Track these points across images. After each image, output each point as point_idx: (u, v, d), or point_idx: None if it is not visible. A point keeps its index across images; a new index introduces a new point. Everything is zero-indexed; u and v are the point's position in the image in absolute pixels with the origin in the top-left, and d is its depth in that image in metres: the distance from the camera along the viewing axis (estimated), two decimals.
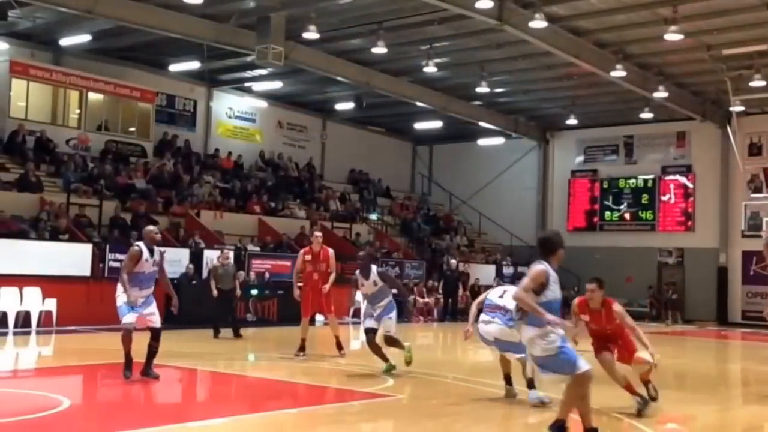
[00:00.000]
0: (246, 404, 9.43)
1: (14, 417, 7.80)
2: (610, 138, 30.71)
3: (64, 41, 22.55)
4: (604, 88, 25.16)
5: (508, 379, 9.16)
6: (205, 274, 19.17)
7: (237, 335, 15.87)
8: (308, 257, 13.08)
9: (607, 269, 27.70)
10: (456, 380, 11.02)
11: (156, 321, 9.71)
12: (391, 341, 11.11)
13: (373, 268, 11.22)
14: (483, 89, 24.69)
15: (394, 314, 11.12)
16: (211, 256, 19.59)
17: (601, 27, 20.69)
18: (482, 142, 32.55)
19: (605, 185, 30.69)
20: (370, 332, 10.97)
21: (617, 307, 8.58)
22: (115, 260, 17.53)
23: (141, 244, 9.77)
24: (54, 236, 18.39)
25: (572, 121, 28.94)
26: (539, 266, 6.59)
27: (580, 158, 31.50)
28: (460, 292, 25.28)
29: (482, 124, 29.99)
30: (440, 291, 25.31)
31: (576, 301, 8.84)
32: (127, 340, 9.52)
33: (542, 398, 8.64)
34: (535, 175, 32.18)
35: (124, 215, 20.56)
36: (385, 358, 10.96)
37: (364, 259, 11.49)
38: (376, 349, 10.99)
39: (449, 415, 8.43)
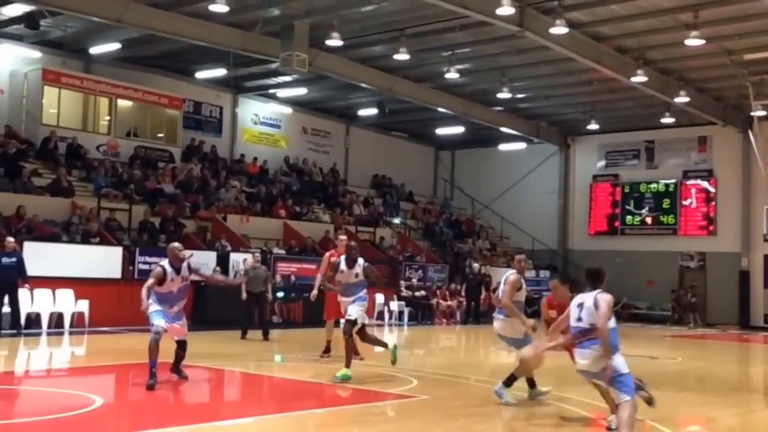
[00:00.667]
0: (273, 404, 9.66)
1: (49, 415, 8.07)
2: (632, 143, 30.77)
3: (95, 49, 23.00)
4: (625, 93, 25.25)
5: (531, 382, 9.30)
6: (231, 276, 19.53)
7: (265, 337, 16.15)
8: (334, 259, 13.22)
9: (628, 273, 27.89)
10: (478, 382, 11.14)
11: (184, 333, 9.85)
12: (373, 340, 11.22)
13: (360, 260, 11.17)
14: (504, 95, 24.86)
15: (363, 305, 10.94)
16: (237, 260, 19.98)
17: (621, 33, 20.82)
18: (504, 147, 32.69)
19: (626, 190, 30.73)
20: (350, 323, 10.76)
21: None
22: (145, 263, 17.99)
23: (165, 263, 9.63)
24: (85, 239, 18.83)
25: (593, 126, 29.01)
26: (609, 296, 6.96)
27: (602, 163, 31.56)
28: (483, 294, 25.48)
29: (504, 129, 30.15)
30: (463, 294, 25.53)
31: (544, 300, 9.03)
32: (154, 349, 9.35)
33: (509, 400, 8.90)
34: (557, 179, 32.27)
35: (153, 219, 20.97)
36: (383, 344, 11.23)
37: (356, 249, 11.41)
38: (370, 340, 11.12)
39: (472, 416, 8.56)
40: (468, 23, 20.09)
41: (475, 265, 26.39)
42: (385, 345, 11.31)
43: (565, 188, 32.12)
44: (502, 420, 8.63)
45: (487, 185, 33.14)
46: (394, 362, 10.94)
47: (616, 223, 30.83)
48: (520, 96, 26.62)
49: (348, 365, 10.54)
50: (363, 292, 11.05)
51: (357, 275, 10.99)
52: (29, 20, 20.18)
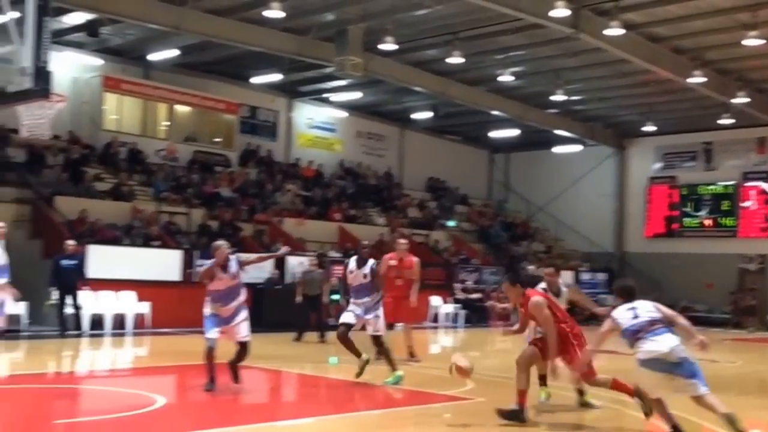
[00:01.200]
0: (330, 405, 9.74)
1: (112, 414, 8.29)
2: (689, 144, 30.20)
3: (153, 56, 23.46)
4: (682, 94, 24.82)
5: (580, 392, 9.16)
6: (288, 279, 19.79)
7: (322, 339, 16.27)
8: (393, 262, 13.24)
9: (686, 275, 27.42)
10: (535, 384, 11.10)
11: (242, 333, 9.40)
12: (381, 345, 10.63)
13: (371, 261, 10.79)
14: (559, 97, 24.67)
15: (381, 312, 10.61)
16: (293, 263, 20.21)
17: (678, 33, 20.48)
18: (559, 149, 32.41)
19: (684, 192, 30.18)
20: (344, 326, 10.53)
21: (536, 299, 8.09)
22: (203, 266, 18.31)
23: (211, 262, 9.52)
24: (146, 243, 19.26)
25: (649, 127, 28.58)
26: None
27: (658, 165, 31.05)
28: None
29: (558, 131, 29.92)
30: None
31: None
32: (209, 357, 9.28)
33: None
34: (612, 181, 31.84)
35: (211, 223, 21.35)
36: (357, 353, 10.51)
37: (367, 249, 11.20)
38: (348, 344, 10.53)
39: (528, 420, 8.54)
40: (522, 26, 19.96)
41: (530, 268, 26.20)
42: (359, 355, 10.69)
43: (621, 190, 31.69)
44: (559, 423, 8.56)
45: (543, 188, 32.88)
46: (358, 375, 10.43)
47: (674, 226, 30.30)
48: (574, 98, 26.35)
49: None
50: (378, 299, 10.66)
51: (365, 276, 10.67)
52: (90, 28, 20.75)
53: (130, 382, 11.30)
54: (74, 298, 16.20)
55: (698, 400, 6.86)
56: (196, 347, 9.52)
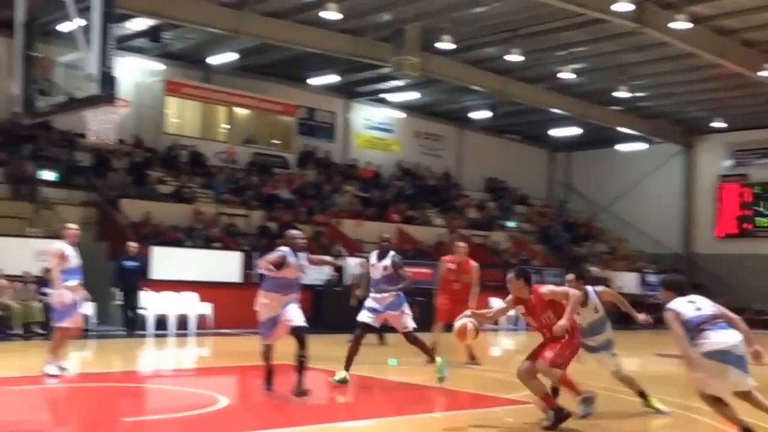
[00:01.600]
0: (390, 407, 9.63)
1: (176, 413, 8.41)
2: (762, 141, 29.18)
3: (213, 60, 23.73)
4: (754, 88, 23.97)
5: (642, 394, 8.85)
6: (347, 281, 19.73)
7: (381, 341, 16.16)
8: (451, 266, 13.06)
9: (758, 277, 26.52)
10: (599, 389, 10.82)
11: (295, 319, 8.93)
12: (415, 340, 10.34)
13: (392, 253, 10.47)
14: (623, 94, 24.16)
15: (407, 308, 10.31)
16: (351, 264, 20.16)
17: (748, 25, 19.82)
18: (622, 147, 31.76)
19: (757, 190, 29.21)
20: (363, 327, 10.28)
21: (544, 287, 7.95)
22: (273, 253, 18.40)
23: (285, 249, 9.15)
24: (207, 244, 19.46)
25: (719, 123, 27.77)
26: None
27: (729, 162, 30.12)
28: None
29: (622, 129, 29.30)
30: None
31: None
32: (266, 357, 9.15)
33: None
34: (679, 180, 31.05)
35: (270, 224, 21.45)
36: (349, 366, 10.16)
37: (388, 242, 10.81)
38: (353, 351, 10.21)
39: (594, 424, 8.27)
40: (583, 21, 19.61)
41: (594, 269, 25.67)
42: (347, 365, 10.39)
43: (689, 189, 30.86)
44: (625, 429, 8.31)
45: (606, 187, 32.24)
46: (341, 381, 10.13)
47: (746, 226, 29.35)
48: (639, 94, 25.75)
49: (432, 359, 10.30)
50: (398, 295, 10.34)
51: (386, 268, 10.39)
52: (152, 34, 21.15)
53: (194, 381, 11.46)
54: (135, 299, 16.43)
55: (747, 396, 6.76)
56: (257, 348, 9.49)
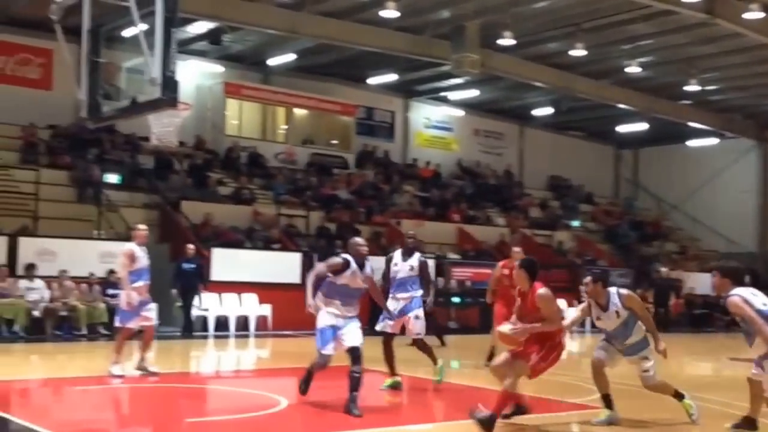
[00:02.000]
0: (450, 410, 9.42)
1: (237, 414, 8.38)
2: None
3: (271, 61, 23.87)
4: None
5: (677, 394, 8.35)
6: None
7: (442, 343, 15.88)
8: (505, 272, 12.79)
9: None
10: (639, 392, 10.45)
11: (351, 340, 8.33)
12: (423, 347, 10.15)
13: (417, 253, 10.13)
14: (692, 87, 23.50)
15: (421, 313, 9.96)
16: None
17: None
18: (693, 143, 30.87)
19: None
20: (385, 337, 9.93)
21: (543, 290, 7.42)
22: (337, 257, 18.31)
23: (348, 257, 8.58)
24: (267, 246, 19.48)
25: None
26: None
27: None
28: (672, 300, 24.01)
29: (692, 124, 28.47)
30: (650, 300, 24.20)
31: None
32: (319, 369, 8.64)
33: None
34: (755, 176, 30.02)
35: (329, 225, 21.38)
36: (393, 370, 9.89)
37: (414, 239, 10.43)
38: (388, 357, 9.88)
39: (663, 430, 8.02)
40: (650, 13, 19.15)
41: (663, 269, 24.95)
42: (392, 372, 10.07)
43: (764, 186, 29.83)
44: None
45: (675, 184, 31.39)
46: (392, 386, 9.86)
47: None
48: (710, 88, 24.98)
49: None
50: (419, 294, 9.99)
51: (412, 268, 9.99)
52: (212, 37, 21.34)
53: (255, 383, 11.45)
54: (192, 301, 16.48)
55: None
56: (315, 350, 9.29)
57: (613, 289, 8.11)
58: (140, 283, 10.32)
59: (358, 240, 8.97)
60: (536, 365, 7.51)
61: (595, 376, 8.18)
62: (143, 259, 10.41)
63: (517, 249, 13.06)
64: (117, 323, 10.67)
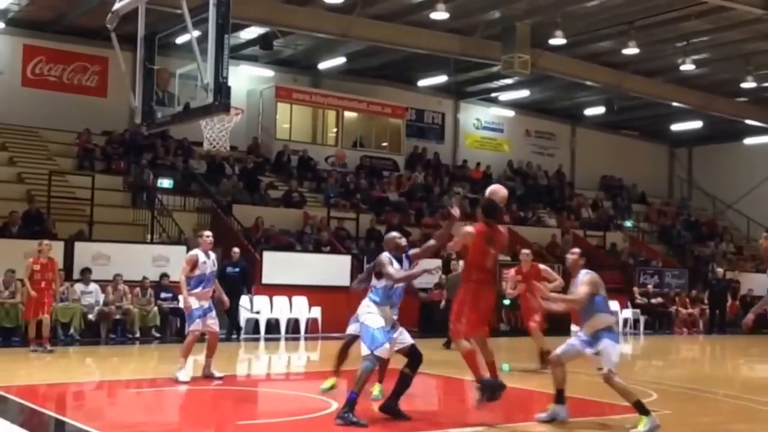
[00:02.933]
0: (499, 413, 9.31)
1: (288, 417, 8.43)
2: None
3: (322, 65, 24.02)
4: None
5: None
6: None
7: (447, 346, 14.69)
8: (518, 278, 12.79)
9: None
10: (726, 397, 10.20)
11: (409, 339, 8.24)
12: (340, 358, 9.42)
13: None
14: (749, 84, 22.93)
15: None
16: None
17: None
18: (750, 141, 30.10)
19: None
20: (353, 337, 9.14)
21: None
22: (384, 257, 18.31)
23: (387, 254, 8.22)
24: (317, 248, 19.57)
25: None
26: None
27: None
28: (729, 302, 23.46)
29: (749, 121, 27.75)
30: (705, 301, 23.70)
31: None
32: (371, 374, 8.17)
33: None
34: None
35: (379, 227, 21.40)
36: (338, 370, 9.41)
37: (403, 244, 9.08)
38: (342, 357, 9.41)
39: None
40: (705, 10, 18.76)
41: (719, 270, 24.39)
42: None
43: None
44: None
45: (731, 183, 30.62)
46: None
47: None
48: (767, 85, 24.29)
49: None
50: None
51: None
52: (263, 42, 21.55)
53: (306, 385, 11.42)
54: (236, 304, 16.41)
55: None
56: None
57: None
58: (199, 290, 10.33)
59: (395, 234, 8.68)
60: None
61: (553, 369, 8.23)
62: (207, 265, 10.45)
63: (525, 252, 12.87)
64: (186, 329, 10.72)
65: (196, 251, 10.56)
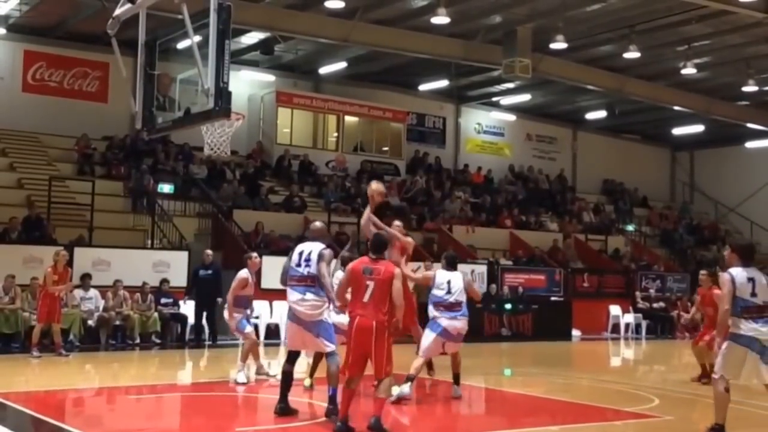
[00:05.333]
0: (504, 419, 9.29)
1: (287, 423, 8.19)
2: None
3: (323, 69, 23.98)
4: None
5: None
6: None
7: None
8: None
9: None
10: (730, 402, 10.11)
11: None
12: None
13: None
14: (750, 88, 22.84)
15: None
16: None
17: None
18: (751, 144, 30.04)
19: None
20: None
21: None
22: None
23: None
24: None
25: None
26: None
27: None
28: None
29: (750, 125, 27.72)
30: None
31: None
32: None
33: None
34: None
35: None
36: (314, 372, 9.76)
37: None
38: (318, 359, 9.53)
39: None
40: (705, 14, 18.73)
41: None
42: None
43: None
44: None
45: (733, 187, 30.54)
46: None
47: None
48: None
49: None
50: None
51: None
52: (264, 47, 21.54)
53: (304, 391, 11.32)
54: (210, 309, 16.23)
55: None
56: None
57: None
58: (243, 308, 10.82)
59: (399, 223, 9.39)
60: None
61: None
62: (252, 287, 10.83)
63: (397, 223, 10.61)
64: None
65: (246, 272, 10.79)
